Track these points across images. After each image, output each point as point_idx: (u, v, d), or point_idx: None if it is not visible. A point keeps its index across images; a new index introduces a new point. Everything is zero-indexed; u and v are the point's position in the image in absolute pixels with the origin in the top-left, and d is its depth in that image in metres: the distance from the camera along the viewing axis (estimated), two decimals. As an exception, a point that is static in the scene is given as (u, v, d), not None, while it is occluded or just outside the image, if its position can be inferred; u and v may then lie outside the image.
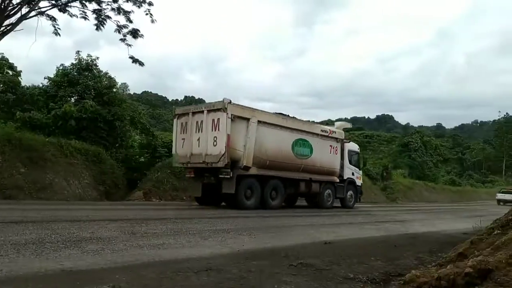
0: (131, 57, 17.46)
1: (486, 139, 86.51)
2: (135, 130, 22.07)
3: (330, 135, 16.76)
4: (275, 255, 6.03)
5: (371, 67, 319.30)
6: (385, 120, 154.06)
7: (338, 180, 17.32)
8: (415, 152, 51.98)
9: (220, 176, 13.06)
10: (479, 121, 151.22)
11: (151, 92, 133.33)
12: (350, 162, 18.36)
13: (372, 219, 13.54)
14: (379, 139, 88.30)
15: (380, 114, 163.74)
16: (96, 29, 16.35)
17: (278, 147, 14.35)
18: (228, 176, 12.86)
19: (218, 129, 12.73)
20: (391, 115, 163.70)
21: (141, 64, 17.81)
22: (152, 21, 16.89)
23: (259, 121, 13.65)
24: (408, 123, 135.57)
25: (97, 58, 21.15)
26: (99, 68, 21.20)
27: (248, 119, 13.37)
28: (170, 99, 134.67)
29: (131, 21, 16.73)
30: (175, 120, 14.60)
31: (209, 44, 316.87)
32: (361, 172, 19.68)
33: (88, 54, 21.04)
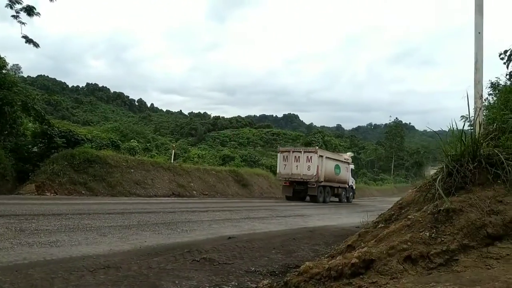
0: (24, 37, 15.85)
1: (379, 140, 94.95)
2: (27, 117, 20.01)
3: (346, 161, 27.82)
4: (178, 250, 5.98)
5: (280, 67, 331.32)
6: (291, 119, 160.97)
7: (347, 186, 27.77)
8: (317, 151, 55.19)
9: (309, 185, 23.34)
10: (373, 124, 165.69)
11: (48, 76, 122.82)
12: (351, 175, 28.81)
13: (275, 214, 14.08)
14: (285, 137, 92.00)
15: (287, 113, 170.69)
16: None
17: (330, 170, 24.96)
18: (314, 186, 23.31)
19: (311, 162, 23.33)
20: (297, 115, 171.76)
21: (36, 45, 16.29)
22: (51, 0, 15.52)
23: (326, 157, 24.49)
24: (312, 123, 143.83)
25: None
26: (-15, 46, 18.85)
27: (322, 156, 23.98)
28: (70, 85, 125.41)
29: (25, -4, 15.17)
30: (279, 154, 25.07)
31: (117, 30, 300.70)
32: (355, 181, 30.54)
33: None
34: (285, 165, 23.89)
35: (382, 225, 4.29)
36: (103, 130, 38.59)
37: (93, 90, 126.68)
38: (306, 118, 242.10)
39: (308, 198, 23.91)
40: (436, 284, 2.62)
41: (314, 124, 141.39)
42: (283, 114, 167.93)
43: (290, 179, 23.72)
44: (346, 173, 27.19)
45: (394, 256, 3.17)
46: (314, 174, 22.89)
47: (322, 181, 23.55)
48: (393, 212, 4.44)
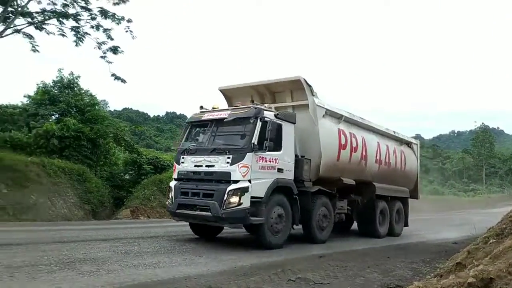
0: (113, 75, 17.38)
1: (465, 148, 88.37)
2: (119, 147, 21.69)
3: None
4: (272, 270, 6.02)
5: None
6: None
7: None
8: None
9: None
10: (456, 131, 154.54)
11: (131, 108, 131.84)
12: None
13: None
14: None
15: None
16: (76, 45, 16.39)
17: None
18: None
19: None
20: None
21: (123, 81, 17.77)
22: (133, 38, 16.99)
23: None
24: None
25: (79, 76, 21.05)
26: (80, 86, 20.99)
27: None
28: (151, 115, 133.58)
29: (112, 38, 16.73)
30: None
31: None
32: None
33: (71, 72, 20.80)
34: None
35: (494, 240, 3.98)
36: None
37: (172, 118, 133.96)
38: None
39: None
40: None
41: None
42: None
43: None
44: None
45: (517, 274, 2.93)
46: None
47: None
48: (504, 226, 4.10)
